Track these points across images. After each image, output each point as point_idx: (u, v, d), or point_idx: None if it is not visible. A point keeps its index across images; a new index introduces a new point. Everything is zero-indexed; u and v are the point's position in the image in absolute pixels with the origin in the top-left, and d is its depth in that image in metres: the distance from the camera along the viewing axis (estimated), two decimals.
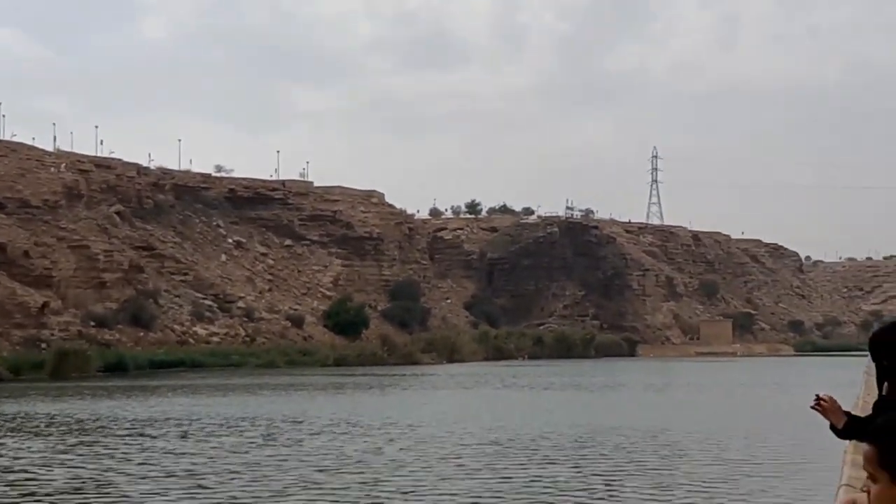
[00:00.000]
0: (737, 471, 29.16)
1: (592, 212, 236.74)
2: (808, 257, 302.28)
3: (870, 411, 6.32)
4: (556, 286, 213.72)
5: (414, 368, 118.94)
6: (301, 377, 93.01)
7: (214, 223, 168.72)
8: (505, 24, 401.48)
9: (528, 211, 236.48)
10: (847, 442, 8.16)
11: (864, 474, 3.30)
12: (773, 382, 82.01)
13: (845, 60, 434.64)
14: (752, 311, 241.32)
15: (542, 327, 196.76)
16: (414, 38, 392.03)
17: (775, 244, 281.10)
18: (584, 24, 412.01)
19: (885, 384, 5.76)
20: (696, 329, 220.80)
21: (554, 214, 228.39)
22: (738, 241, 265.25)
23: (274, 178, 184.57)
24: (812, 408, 6.18)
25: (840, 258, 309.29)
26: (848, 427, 6.08)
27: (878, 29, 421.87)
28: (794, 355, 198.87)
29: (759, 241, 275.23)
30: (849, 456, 11.73)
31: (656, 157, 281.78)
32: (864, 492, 3.27)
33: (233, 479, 27.88)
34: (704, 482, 27.03)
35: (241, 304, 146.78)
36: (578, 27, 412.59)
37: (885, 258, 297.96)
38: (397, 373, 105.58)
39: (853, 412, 6.48)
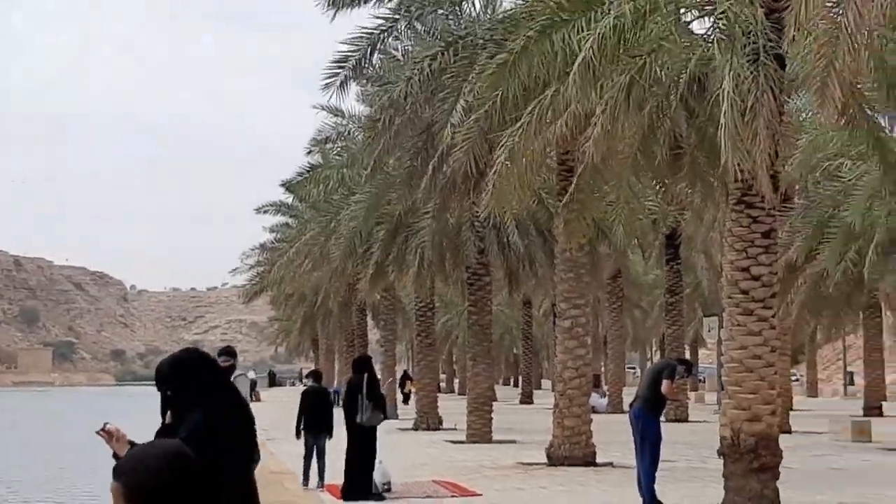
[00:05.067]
0: None
1: None
2: (133, 286, 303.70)
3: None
4: None
5: None
6: None
7: None
8: None
9: None
10: None
11: None
12: (90, 411, 79.86)
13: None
14: (74, 340, 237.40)
15: None
16: None
17: (100, 272, 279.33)
18: None
19: (169, 412, 5.85)
20: (14, 357, 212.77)
21: None
22: (62, 267, 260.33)
23: None
24: (97, 433, 5.79)
25: (165, 288, 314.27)
26: None
27: None
28: (115, 384, 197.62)
29: (84, 268, 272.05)
30: None
31: None
32: None
33: None
34: None
35: None
36: None
37: (208, 289, 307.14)
38: None
39: None
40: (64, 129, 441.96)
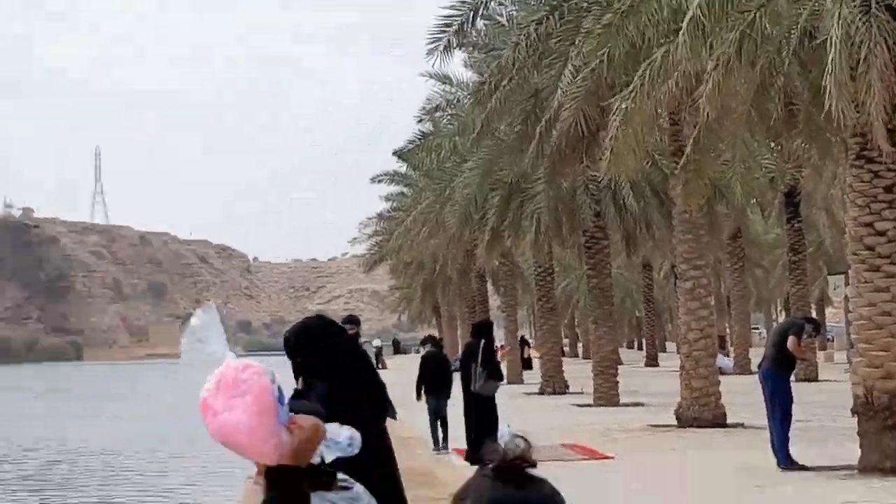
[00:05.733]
0: (167, 479, 27.65)
1: (32, 210, 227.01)
2: (255, 258, 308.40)
3: None
4: None
5: None
6: None
7: None
8: None
9: None
10: None
11: None
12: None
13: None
14: None
15: None
16: None
17: (223, 245, 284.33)
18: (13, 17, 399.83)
19: (300, 379, 6.11)
20: (144, 331, 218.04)
21: None
22: (186, 241, 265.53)
23: None
24: None
25: (287, 259, 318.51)
26: None
27: None
28: (244, 354, 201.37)
29: (207, 241, 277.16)
30: None
31: (99, 155, 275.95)
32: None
33: None
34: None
35: None
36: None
37: (329, 259, 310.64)
38: None
39: None
40: (172, 108, 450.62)
